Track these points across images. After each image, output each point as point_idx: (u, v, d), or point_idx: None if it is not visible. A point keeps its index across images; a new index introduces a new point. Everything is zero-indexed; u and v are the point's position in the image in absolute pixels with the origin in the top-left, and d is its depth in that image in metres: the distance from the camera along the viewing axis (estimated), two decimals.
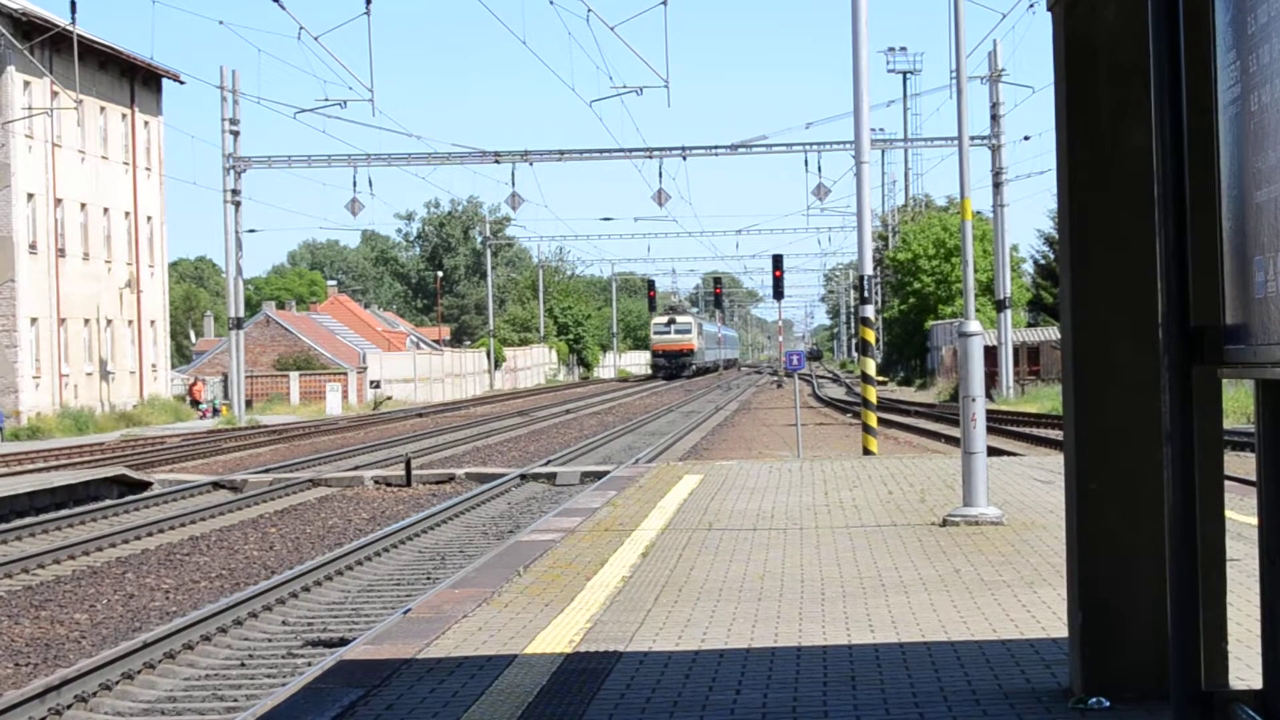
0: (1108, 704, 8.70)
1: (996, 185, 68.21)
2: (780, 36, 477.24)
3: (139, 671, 15.23)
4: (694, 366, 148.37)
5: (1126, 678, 8.68)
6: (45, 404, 66.18)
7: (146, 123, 78.92)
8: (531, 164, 74.08)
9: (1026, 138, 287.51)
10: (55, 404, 66.82)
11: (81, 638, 18.06)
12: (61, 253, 68.89)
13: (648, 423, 62.87)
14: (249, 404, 77.18)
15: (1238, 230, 6.40)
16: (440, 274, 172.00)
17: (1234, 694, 6.96)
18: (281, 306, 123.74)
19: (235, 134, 70.24)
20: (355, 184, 72.02)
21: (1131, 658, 8.63)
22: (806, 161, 71.15)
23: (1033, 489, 21.83)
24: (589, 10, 50.48)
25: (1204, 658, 7.05)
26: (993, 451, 26.53)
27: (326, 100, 61.83)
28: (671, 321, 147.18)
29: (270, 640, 17.36)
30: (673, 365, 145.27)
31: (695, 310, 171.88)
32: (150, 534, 27.55)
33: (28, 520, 29.92)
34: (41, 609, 19.98)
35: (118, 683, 14.72)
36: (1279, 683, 6.67)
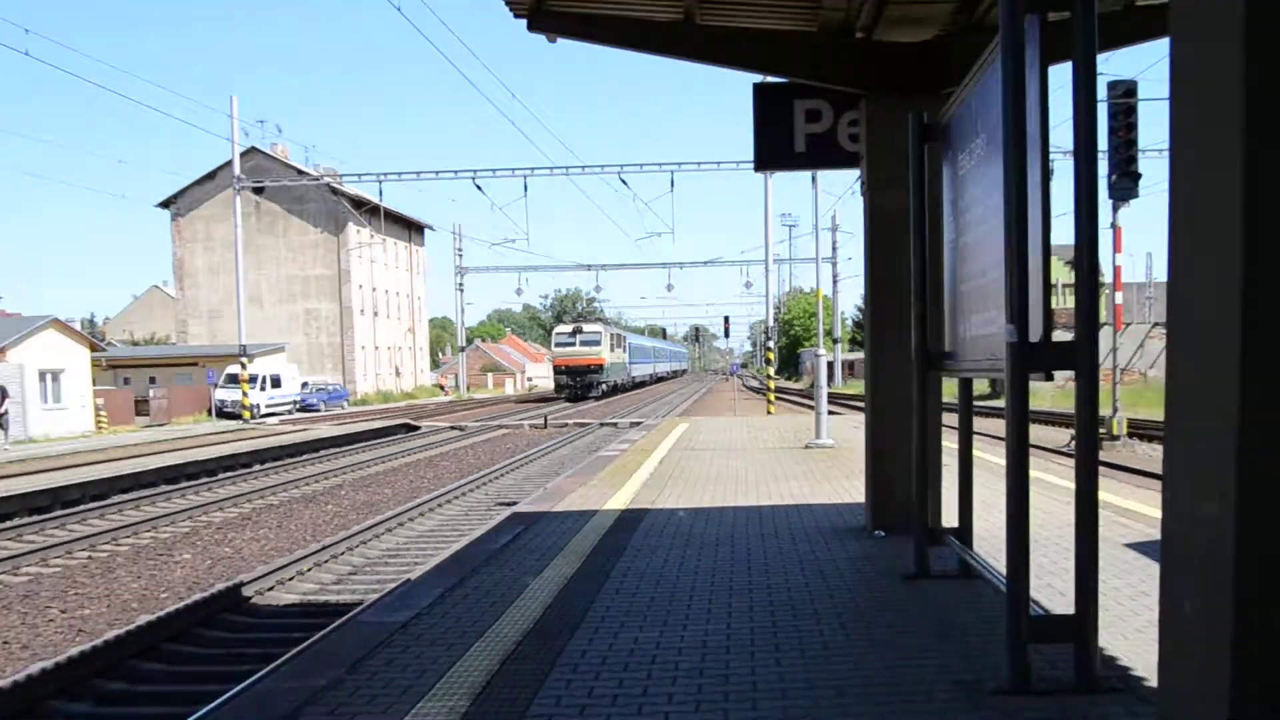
0: (883, 534, 8.69)
1: (834, 280, 67.50)
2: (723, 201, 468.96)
3: (415, 518, 15.19)
4: (604, 385, 67.32)
5: (893, 521, 8.68)
6: (369, 388, 66.38)
7: (417, 249, 79.03)
8: (605, 269, 73.70)
9: (849, 259, 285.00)
10: (374, 388, 67.00)
11: (385, 503, 17.96)
12: (375, 314, 69.06)
13: (665, 396, 62.53)
14: (468, 388, 76.91)
15: (954, 304, 6.44)
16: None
17: (945, 530, 6.99)
18: (484, 341, 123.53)
19: (459, 253, 70.24)
20: (519, 280, 72.58)
21: (896, 510, 8.62)
22: (741, 271, 70.82)
23: (851, 430, 21.66)
24: (633, 194, 50.17)
25: (930, 511, 7.07)
26: (832, 411, 26.33)
27: (505, 240, 61.74)
28: (577, 331, 67.69)
29: (479, 503, 17.29)
30: (577, 384, 65.07)
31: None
32: (421, 452, 27.43)
33: (368, 443, 29.87)
34: (359, 492, 19.56)
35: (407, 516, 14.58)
36: (966, 523, 6.71)
